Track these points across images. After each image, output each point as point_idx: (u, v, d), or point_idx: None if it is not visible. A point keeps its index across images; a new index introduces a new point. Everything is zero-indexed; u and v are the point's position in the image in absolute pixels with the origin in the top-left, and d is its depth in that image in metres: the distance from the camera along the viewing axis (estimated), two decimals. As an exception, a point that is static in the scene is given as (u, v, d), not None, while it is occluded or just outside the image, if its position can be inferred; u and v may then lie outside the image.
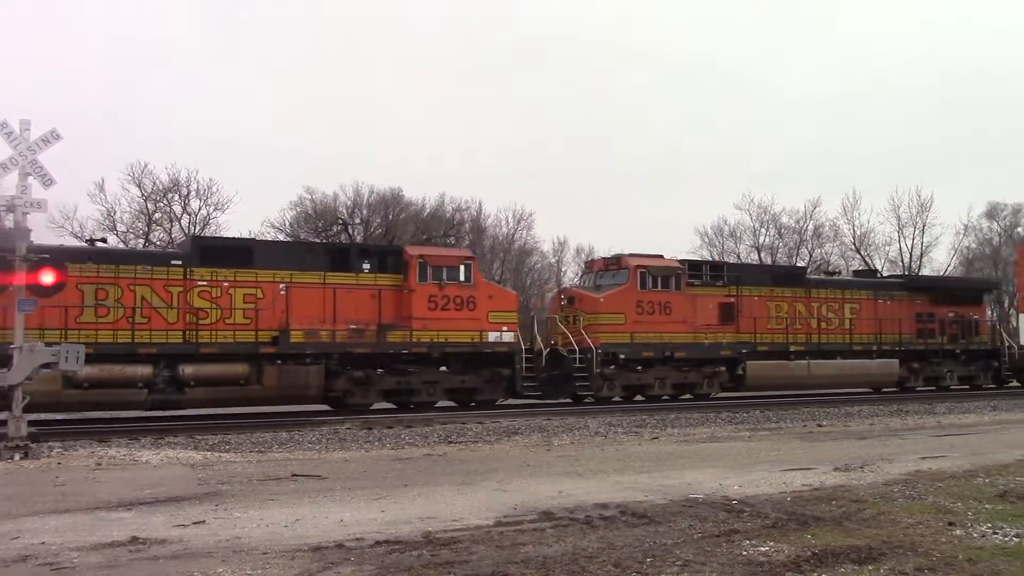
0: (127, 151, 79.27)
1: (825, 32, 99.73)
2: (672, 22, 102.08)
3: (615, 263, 26.63)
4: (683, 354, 25.70)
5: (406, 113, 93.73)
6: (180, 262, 21.22)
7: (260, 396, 21.20)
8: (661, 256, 26.22)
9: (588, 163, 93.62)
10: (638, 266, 26.02)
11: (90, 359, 15.38)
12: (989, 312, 38.74)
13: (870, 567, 6.45)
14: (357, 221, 57.47)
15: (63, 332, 18.93)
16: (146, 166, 49.47)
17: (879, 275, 34.84)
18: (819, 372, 27.37)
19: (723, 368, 26.37)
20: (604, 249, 70.10)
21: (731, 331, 26.49)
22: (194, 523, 8.32)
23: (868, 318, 28.77)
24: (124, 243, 46.07)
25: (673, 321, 25.65)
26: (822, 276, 33.22)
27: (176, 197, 50.93)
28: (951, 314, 30.66)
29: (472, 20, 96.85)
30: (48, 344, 14.68)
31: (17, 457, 13.30)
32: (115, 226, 48.07)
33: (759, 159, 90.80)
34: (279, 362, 21.21)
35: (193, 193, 50.91)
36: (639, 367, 25.26)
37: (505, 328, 23.60)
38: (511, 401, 24.17)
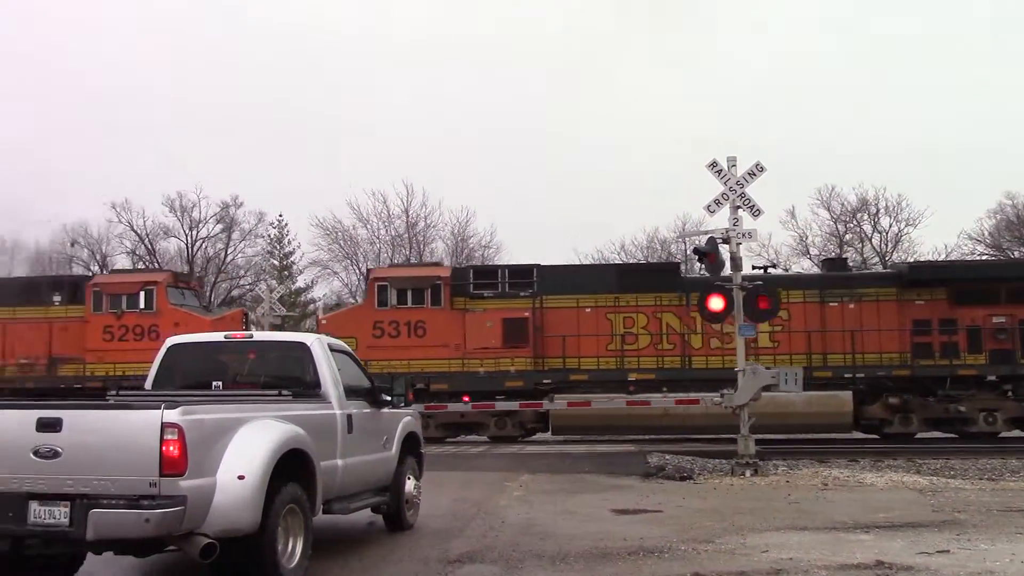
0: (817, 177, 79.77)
1: None
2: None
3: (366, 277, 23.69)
4: (444, 386, 21.25)
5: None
6: None
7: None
8: (435, 264, 22.19)
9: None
10: (376, 279, 22.65)
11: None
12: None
13: None
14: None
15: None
16: (833, 188, 53.67)
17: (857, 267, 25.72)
18: (684, 411, 20.52)
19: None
20: None
21: (524, 355, 21.58)
22: (938, 552, 8.57)
23: (800, 331, 21.58)
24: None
25: (429, 345, 21.45)
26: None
27: (865, 216, 54.54)
28: (996, 319, 21.63)
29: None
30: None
31: (748, 473, 15.26)
32: (807, 250, 52.58)
33: None
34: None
35: (882, 211, 54.05)
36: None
37: None
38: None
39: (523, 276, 22.78)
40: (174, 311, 22.11)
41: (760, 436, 21.26)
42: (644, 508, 11.61)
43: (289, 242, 55.51)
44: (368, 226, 53.66)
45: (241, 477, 6.72)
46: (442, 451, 19.41)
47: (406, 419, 9.91)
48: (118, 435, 6.52)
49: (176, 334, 20.99)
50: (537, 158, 74.37)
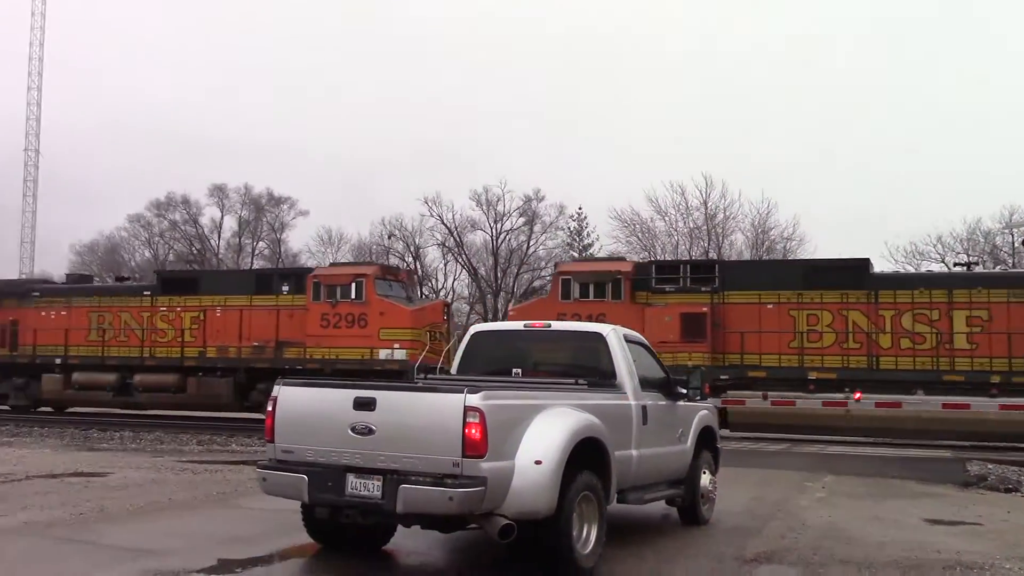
0: None
1: None
2: None
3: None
4: None
5: None
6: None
7: (186, 402, 26.20)
8: (618, 259, 23.02)
9: None
10: (560, 272, 23.26)
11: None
12: None
13: None
14: None
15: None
16: None
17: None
18: (870, 413, 20.35)
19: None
20: None
21: (701, 350, 21.39)
22: None
23: (1002, 332, 20.25)
24: None
25: None
26: (908, 271, 24.39)
27: None
28: None
29: None
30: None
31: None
32: None
33: None
34: (200, 374, 25.58)
35: None
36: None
37: (397, 345, 23.28)
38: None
39: (704, 271, 22.74)
40: (380, 301, 23.34)
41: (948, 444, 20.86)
42: (961, 519, 10.65)
43: (588, 234, 56.67)
44: (666, 218, 52.81)
45: (538, 462, 6.73)
46: (739, 447, 19.01)
47: (702, 412, 9.56)
48: (424, 416, 6.73)
49: (381, 324, 23.77)
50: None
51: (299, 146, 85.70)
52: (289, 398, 7.45)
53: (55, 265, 61.60)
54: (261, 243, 71.80)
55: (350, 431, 6.91)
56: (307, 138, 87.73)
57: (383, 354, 23.27)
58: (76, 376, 26.48)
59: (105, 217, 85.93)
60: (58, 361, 26.97)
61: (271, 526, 9.16)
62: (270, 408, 7.49)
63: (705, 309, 22.04)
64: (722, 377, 21.65)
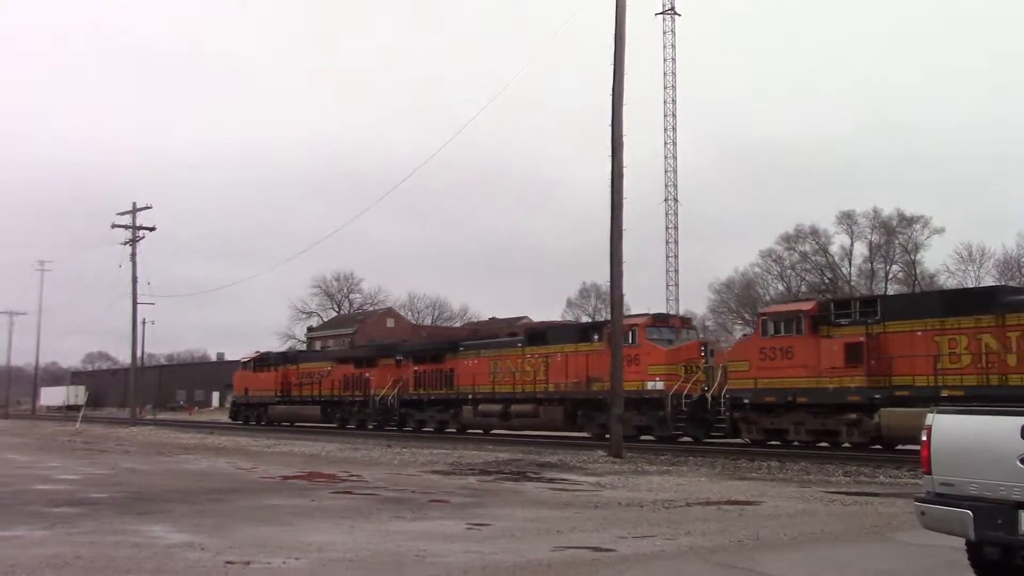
0: None
1: None
2: None
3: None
4: (805, 399, 29.14)
5: None
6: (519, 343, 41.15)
7: (537, 425, 39.01)
8: (804, 300, 30.36)
9: None
10: (761, 314, 32.05)
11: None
12: None
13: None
14: None
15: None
16: None
17: None
18: None
19: (856, 416, 27.76)
20: None
21: (859, 374, 27.93)
22: None
23: None
24: None
25: (795, 366, 29.57)
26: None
27: None
28: None
29: None
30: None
31: None
32: None
33: None
34: (545, 404, 38.75)
35: None
36: (776, 412, 30.23)
37: (657, 378, 33.78)
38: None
39: (869, 306, 29.26)
40: (647, 344, 34.94)
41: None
42: None
43: None
44: None
45: None
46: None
47: None
48: None
49: (648, 361, 34.61)
50: None
51: (921, 160, 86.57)
52: (945, 427, 7.27)
53: (696, 303, 71.88)
54: (894, 266, 74.67)
55: (1019, 463, 6.66)
56: (921, 145, 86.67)
57: (649, 385, 33.63)
58: (480, 407, 40.39)
59: (739, 254, 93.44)
60: (470, 396, 41.25)
61: (932, 563, 9.15)
62: (924, 438, 7.36)
63: (862, 339, 28.77)
64: (875, 396, 27.52)
